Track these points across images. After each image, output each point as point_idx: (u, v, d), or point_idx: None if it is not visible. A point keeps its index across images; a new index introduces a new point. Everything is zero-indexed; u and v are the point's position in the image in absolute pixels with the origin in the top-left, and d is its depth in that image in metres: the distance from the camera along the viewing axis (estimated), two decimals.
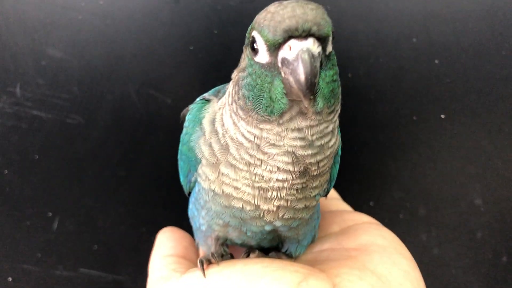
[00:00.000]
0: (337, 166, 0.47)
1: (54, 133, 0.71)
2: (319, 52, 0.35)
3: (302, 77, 0.34)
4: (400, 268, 0.42)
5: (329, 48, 0.37)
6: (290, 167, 0.39)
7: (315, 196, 0.43)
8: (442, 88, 0.71)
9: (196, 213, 0.48)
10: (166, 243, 0.50)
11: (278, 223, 0.43)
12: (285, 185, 0.40)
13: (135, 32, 0.70)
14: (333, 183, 0.48)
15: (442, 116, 0.72)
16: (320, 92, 0.36)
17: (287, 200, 0.41)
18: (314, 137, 0.38)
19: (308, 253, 0.50)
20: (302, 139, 0.38)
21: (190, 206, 0.50)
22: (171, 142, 0.73)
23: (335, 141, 0.41)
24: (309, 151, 0.39)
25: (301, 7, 0.35)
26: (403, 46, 0.70)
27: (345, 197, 0.64)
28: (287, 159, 0.39)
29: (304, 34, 0.34)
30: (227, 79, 0.71)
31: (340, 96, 0.40)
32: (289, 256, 0.49)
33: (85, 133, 0.72)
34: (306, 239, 0.48)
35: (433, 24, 0.69)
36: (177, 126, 0.72)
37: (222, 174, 0.41)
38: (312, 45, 0.34)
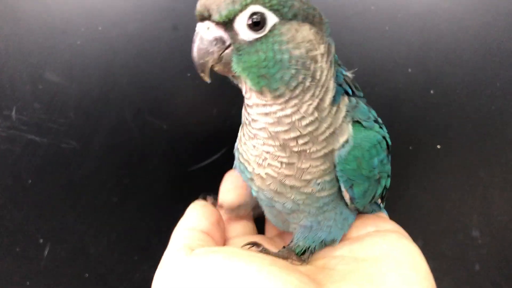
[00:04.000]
0: (365, 184, 0.47)
1: (48, 157, 0.71)
2: (215, 37, 0.38)
3: (193, 56, 0.40)
4: None
5: (248, 34, 0.39)
6: (270, 141, 0.43)
7: (309, 181, 0.44)
8: (438, 118, 0.71)
9: None
10: (193, 216, 0.48)
11: (268, 194, 0.46)
12: (269, 156, 0.44)
13: (133, 58, 0.70)
14: (364, 200, 0.47)
15: (438, 146, 0.72)
16: (244, 75, 0.40)
17: (274, 171, 0.44)
18: (279, 114, 0.42)
19: (321, 257, 0.47)
20: (269, 116, 0.42)
21: None
22: (166, 168, 0.73)
23: (325, 128, 0.43)
24: (279, 128, 0.42)
25: None
26: (399, 76, 0.71)
27: None
28: (264, 134, 0.43)
29: (200, 18, 0.38)
30: (224, 106, 0.72)
31: (293, 82, 0.41)
32: (299, 256, 0.46)
33: (80, 159, 0.71)
34: (313, 230, 0.47)
35: (429, 55, 0.70)
36: (173, 152, 0.72)
37: (241, 143, 0.49)
38: (202, 28, 0.39)
